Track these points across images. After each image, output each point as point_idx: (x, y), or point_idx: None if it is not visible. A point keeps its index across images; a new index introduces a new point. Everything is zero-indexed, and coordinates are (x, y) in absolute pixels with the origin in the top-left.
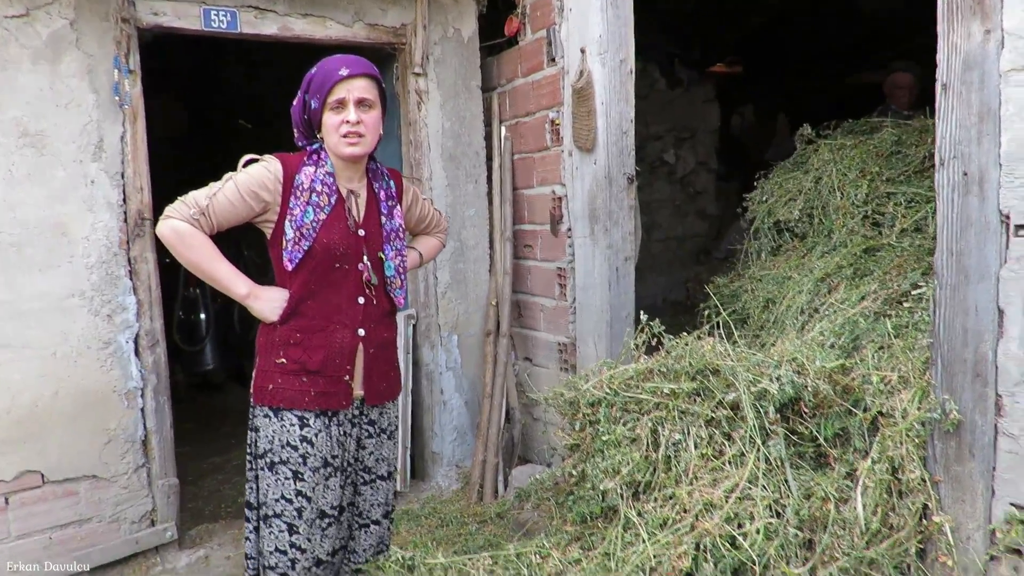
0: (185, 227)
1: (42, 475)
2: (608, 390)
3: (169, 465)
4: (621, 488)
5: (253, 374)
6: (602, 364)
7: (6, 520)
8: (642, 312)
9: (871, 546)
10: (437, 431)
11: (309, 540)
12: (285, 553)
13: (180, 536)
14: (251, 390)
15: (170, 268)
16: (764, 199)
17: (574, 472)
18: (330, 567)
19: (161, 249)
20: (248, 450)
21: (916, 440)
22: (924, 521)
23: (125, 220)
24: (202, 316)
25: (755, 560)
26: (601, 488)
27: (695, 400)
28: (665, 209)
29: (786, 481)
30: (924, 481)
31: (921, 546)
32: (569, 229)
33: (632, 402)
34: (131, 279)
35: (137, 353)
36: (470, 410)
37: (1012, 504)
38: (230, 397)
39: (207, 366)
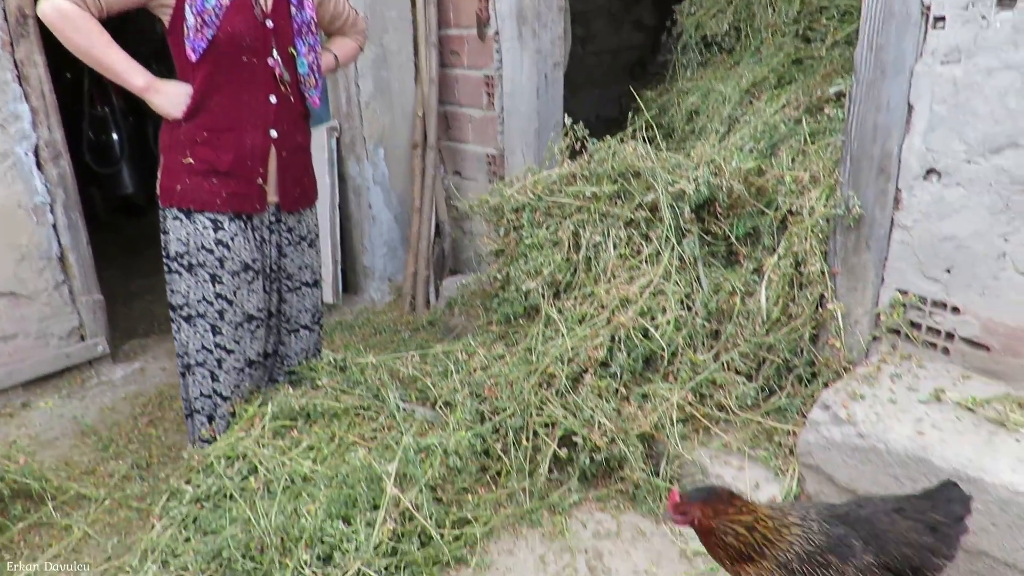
0: (70, 7)
1: None
2: (532, 195)
3: (91, 282)
4: (543, 288)
5: (158, 173)
6: (527, 170)
7: None
8: (569, 120)
9: (770, 333)
10: (367, 246)
11: (237, 342)
12: (211, 352)
13: (114, 351)
14: (157, 191)
15: (75, 85)
16: (692, 11)
17: (499, 276)
18: (261, 368)
19: (57, 56)
20: (163, 252)
21: (819, 236)
22: (819, 310)
23: (5, 19)
24: (114, 137)
25: (664, 348)
26: (524, 289)
27: (616, 203)
28: (600, 18)
29: (698, 278)
30: (823, 273)
31: (815, 332)
32: (496, 33)
33: (555, 206)
34: (21, 85)
35: (40, 167)
36: (400, 224)
37: (898, 290)
38: (154, 220)
39: (126, 190)
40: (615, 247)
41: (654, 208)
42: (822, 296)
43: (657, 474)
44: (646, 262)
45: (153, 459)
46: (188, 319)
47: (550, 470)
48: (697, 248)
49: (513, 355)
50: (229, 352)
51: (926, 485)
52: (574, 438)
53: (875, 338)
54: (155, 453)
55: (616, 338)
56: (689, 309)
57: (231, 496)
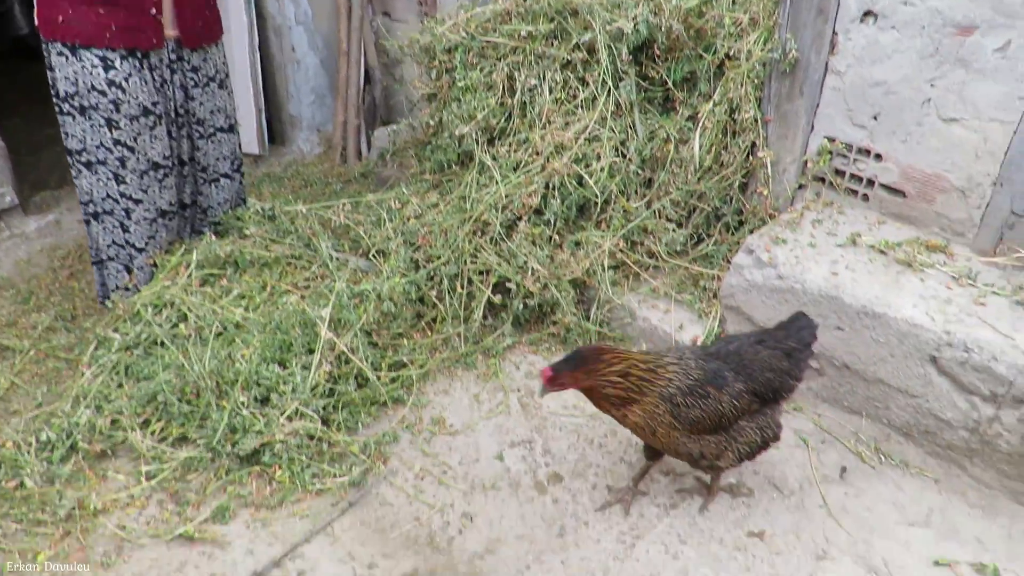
0: None
1: None
2: (464, 34)
3: None
4: (477, 134)
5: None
6: (459, 7)
7: None
8: None
9: (702, 181)
10: (293, 92)
11: (144, 191)
12: (117, 201)
13: (24, 203)
14: (35, 22)
15: None
16: None
17: (431, 122)
18: (178, 219)
19: None
20: (52, 92)
21: (755, 81)
22: (750, 158)
23: None
24: None
25: (598, 196)
26: (457, 135)
27: (552, 43)
28: None
29: (633, 124)
30: (756, 121)
31: (744, 181)
32: None
33: (489, 47)
34: None
35: None
36: (327, 70)
37: (826, 137)
38: None
39: (20, 31)
40: (551, 91)
41: (591, 49)
42: (753, 144)
43: (588, 318)
44: (582, 107)
45: (77, 311)
46: (88, 165)
47: (484, 316)
48: (634, 93)
49: (447, 204)
50: (137, 202)
51: (836, 323)
52: (508, 284)
53: (801, 186)
54: (79, 305)
55: (550, 185)
56: (623, 156)
57: (161, 343)
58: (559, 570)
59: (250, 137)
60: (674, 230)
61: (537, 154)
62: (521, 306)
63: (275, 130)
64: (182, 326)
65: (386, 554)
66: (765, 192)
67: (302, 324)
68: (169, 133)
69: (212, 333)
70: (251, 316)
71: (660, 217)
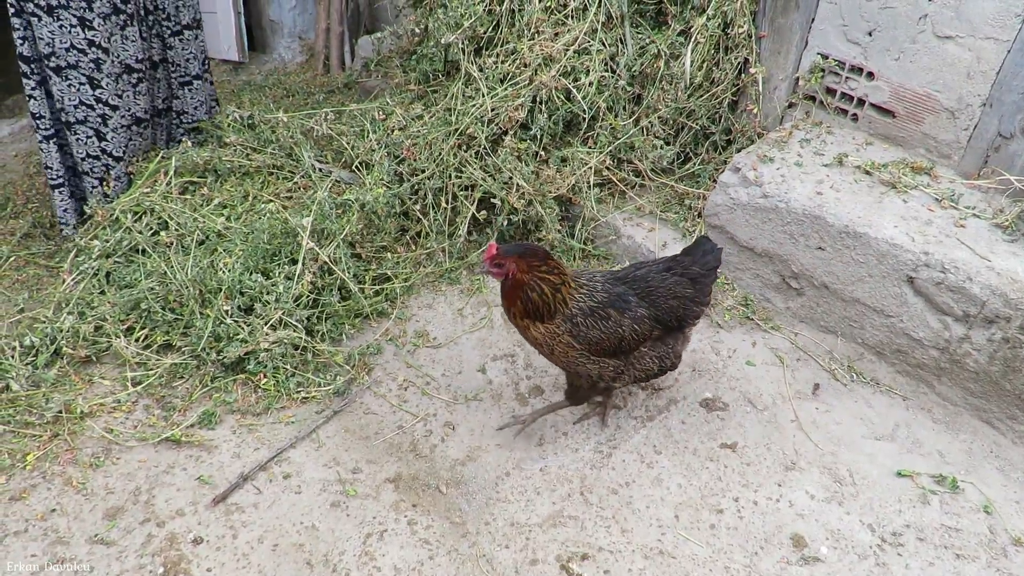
0: None
1: None
2: None
3: None
4: (463, 43)
5: None
6: None
7: None
8: None
9: (692, 99)
10: None
11: (119, 96)
12: (93, 108)
13: None
14: None
15: None
16: None
17: (417, 29)
18: (155, 126)
19: None
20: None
21: None
22: (742, 76)
23: None
24: None
25: (586, 111)
26: (444, 43)
27: None
28: None
29: (623, 38)
30: (749, 37)
31: (734, 99)
32: None
33: None
34: None
35: None
36: None
37: (819, 54)
38: None
39: None
40: None
41: None
42: (746, 61)
43: (572, 236)
44: (572, 17)
45: (55, 218)
46: (58, 71)
47: (469, 232)
48: (625, 4)
49: (432, 116)
50: (113, 108)
51: (818, 243)
52: (493, 200)
53: (791, 104)
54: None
55: (538, 99)
56: (613, 72)
57: (143, 251)
58: (537, 477)
59: (229, 43)
60: (661, 147)
61: (525, 66)
62: (506, 222)
63: (255, 37)
64: (163, 234)
65: (370, 460)
66: (755, 110)
67: (284, 233)
68: (140, 33)
69: (193, 242)
70: (233, 225)
71: (648, 135)
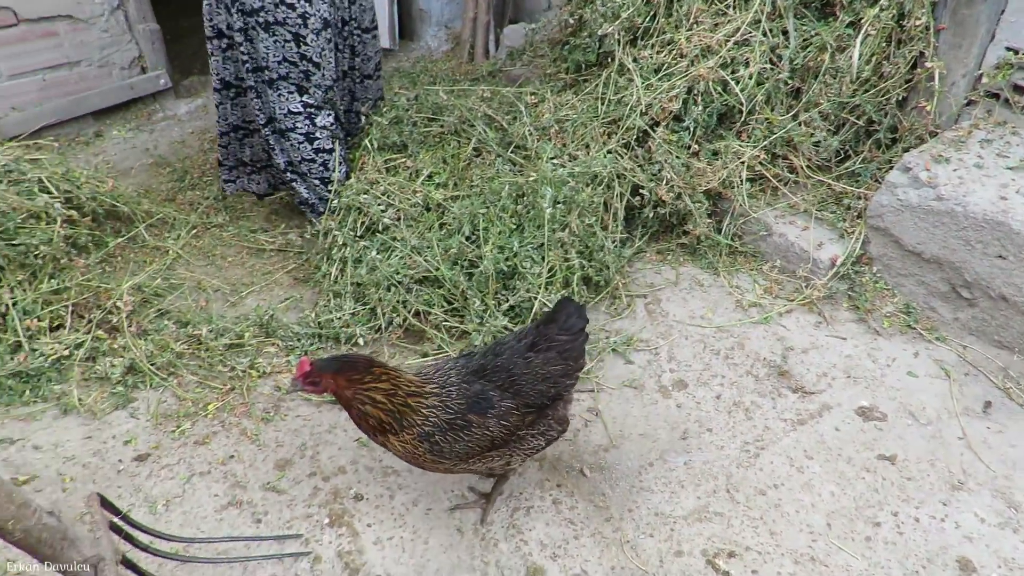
0: None
1: (13, 12)
2: None
3: (146, 9)
4: (619, 33)
5: None
6: None
7: None
8: None
9: (857, 94)
10: None
11: (321, 55)
12: (296, 65)
13: (175, 86)
14: None
15: None
16: None
17: (571, 20)
18: (342, 92)
19: None
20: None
21: None
22: (915, 70)
23: None
24: None
25: (743, 104)
26: (599, 34)
27: None
28: None
29: (786, 31)
30: (927, 29)
31: (904, 94)
32: None
33: None
34: None
35: None
36: None
37: (1008, 48)
38: None
39: None
40: None
41: None
42: (921, 54)
43: (719, 231)
44: (733, 7)
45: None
46: (266, 26)
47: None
48: None
49: (583, 102)
50: (316, 66)
51: (999, 251)
52: (640, 191)
53: (969, 102)
54: None
55: (693, 91)
56: (773, 64)
57: (376, 231)
58: (680, 470)
59: (382, 30)
60: (823, 139)
61: (681, 56)
62: (652, 214)
63: (405, 25)
64: (390, 211)
65: None
66: (928, 107)
67: (516, 199)
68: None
69: (423, 218)
70: (461, 195)
71: (806, 129)
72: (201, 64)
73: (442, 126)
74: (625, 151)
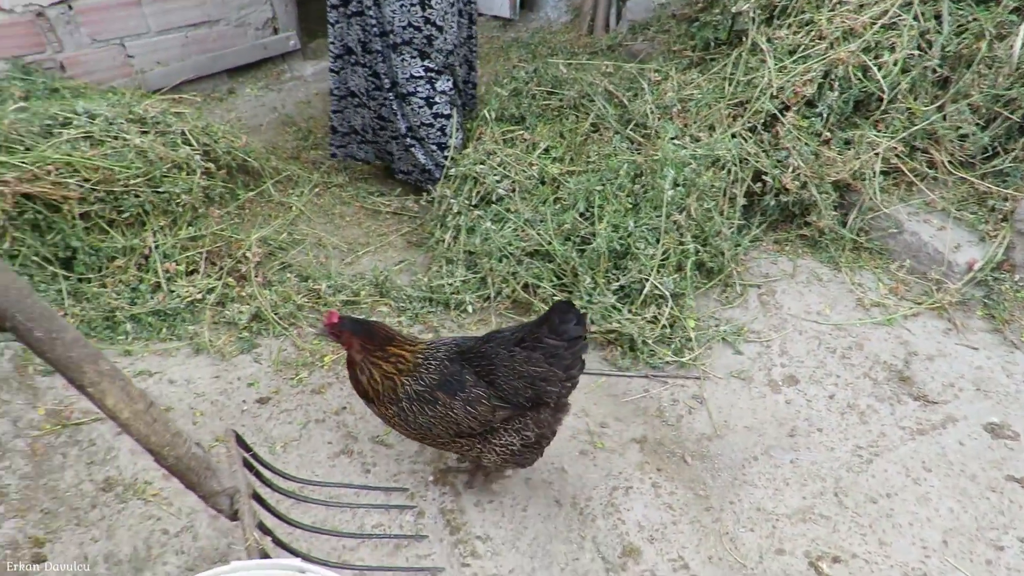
0: None
1: None
2: None
3: None
4: (755, 12)
5: None
6: None
7: (143, 14)
8: None
9: (1015, 87)
10: None
11: (443, 19)
12: (420, 30)
13: (303, 48)
14: None
15: None
16: None
17: None
18: (459, 60)
19: None
20: None
21: None
22: None
23: None
24: None
25: (884, 92)
26: (732, 11)
27: None
28: None
29: (939, 15)
30: None
31: None
32: None
33: None
34: None
35: None
36: None
37: None
38: None
39: None
40: None
41: None
42: None
43: (844, 224)
44: None
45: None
46: (395, 47)
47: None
48: None
49: (710, 82)
50: (440, 29)
51: None
52: (764, 177)
53: None
54: None
55: (830, 75)
56: (922, 51)
57: (491, 201)
58: (787, 467)
59: (503, 1)
60: (969, 136)
61: (820, 38)
62: (773, 202)
63: None
64: (505, 182)
65: (617, 417)
66: None
67: (633, 178)
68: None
69: (538, 191)
70: (577, 170)
71: (952, 121)
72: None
73: (561, 100)
74: (750, 135)
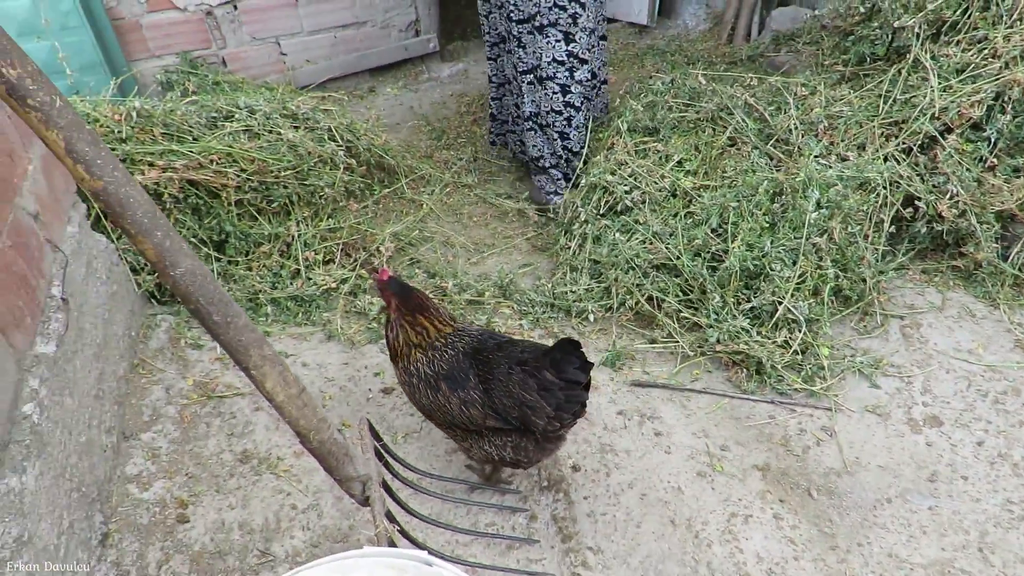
0: None
1: None
2: None
3: None
4: (920, 27)
5: None
6: None
7: (298, 15)
8: None
9: None
10: None
11: (589, 51)
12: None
13: (441, 50)
14: None
15: None
16: None
17: (862, 8)
18: (595, 90)
19: None
20: None
21: None
22: None
23: None
24: None
25: None
26: (895, 25)
27: None
28: None
29: None
30: None
31: None
32: None
33: None
34: None
35: None
36: None
37: None
38: None
39: None
40: None
41: None
42: None
43: (1006, 258)
44: None
45: (479, 154)
46: (540, 30)
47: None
48: None
49: (862, 99)
50: (583, 62)
51: None
52: (916, 202)
53: None
54: (479, 150)
55: (1002, 97)
56: None
57: (620, 211)
58: (924, 514)
59: (641, 7)
60: None
61: (994, 57)
62: (924, 230)
63: (663, 1)
64: (634, 193)
65: (739, 441)
66: None
67: (772, 196)
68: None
69: (669, 204)
70: (712, 185)
71: None
72: (462, 30)
73: (698, 112)
74: (904, 157)
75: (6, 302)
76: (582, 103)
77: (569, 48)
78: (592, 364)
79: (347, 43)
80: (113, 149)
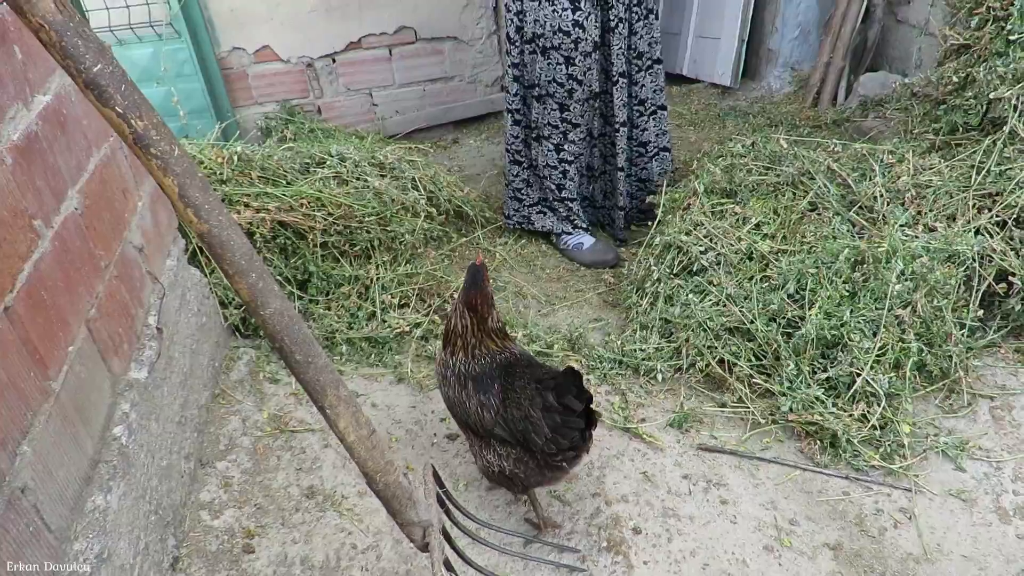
0: None
1: (415, 31)
2: None
3: None
4: (1018, 98)
5: None
6: None
7: (391, 69)
8: None
9: None
10: (778, 26)
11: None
12: (557, 127)
13: None
14: None
15: None
16: None
17: (955, 78)
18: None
19: None
20: (507, 31)
21: None
22: None
23: None
24: None
25: None
26: (990, 96)
27: None
28: None
29: None
30: None
31: None
32: None
33: None
34: None
35: None
36: (820, 4)
37: None
38: None
39: None
40: None
41: None
42: None
43: None
44: None
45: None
46: (539, 98)
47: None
48: None
49: (953, 169)
50: (574, 125)
51: None
52: (1011, 278)
53: None
54: None
55: None
56: None
57: (693, 272)
58: None
59: (724, 68)
60: None
61: None
62: (1019, 307)
63: (748, 64)
64: (710, 253)
65: (809, 516)
66: None
67: (853, 264)
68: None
69: (744, 267)
70: (790, 249)
71: None
72: None
73: (779, 175)
74: (998, 230)
75: (108, 329)
76: (573, 166)
77: (564, 116)
78: (591, 397)
79: (435, 96)
80: (215, 189)
